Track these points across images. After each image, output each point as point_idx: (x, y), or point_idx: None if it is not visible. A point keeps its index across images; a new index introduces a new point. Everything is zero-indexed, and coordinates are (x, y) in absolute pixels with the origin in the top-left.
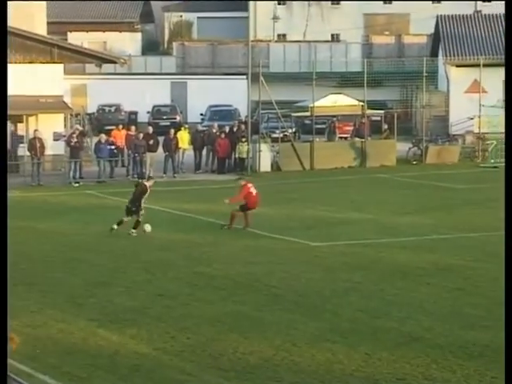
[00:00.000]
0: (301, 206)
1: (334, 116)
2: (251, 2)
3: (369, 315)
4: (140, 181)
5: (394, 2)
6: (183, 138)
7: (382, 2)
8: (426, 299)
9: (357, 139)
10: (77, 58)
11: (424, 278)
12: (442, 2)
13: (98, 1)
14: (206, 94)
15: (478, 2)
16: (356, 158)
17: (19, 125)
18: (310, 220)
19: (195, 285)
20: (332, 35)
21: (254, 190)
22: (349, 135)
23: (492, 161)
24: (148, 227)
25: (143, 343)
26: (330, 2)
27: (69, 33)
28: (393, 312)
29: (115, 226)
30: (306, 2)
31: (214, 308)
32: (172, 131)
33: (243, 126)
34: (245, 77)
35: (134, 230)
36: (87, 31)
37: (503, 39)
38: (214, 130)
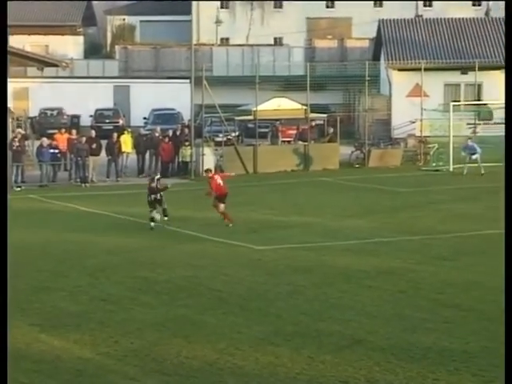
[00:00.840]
0: (244, 209)
1: (278, 120)
2: (194, 6)
3: (312, 318)
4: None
5: (336, 6)
6: (126, 141)
7: (324, 6)
8: (368, 302)
9: (300, 143)
10: (18, 61)
11: (367, 281)
12: (384, 5)
13: (41, 1)
14: (149, 98)
15: (419, 7)
16: (299, 162)
17: None
18: (254, 223)
19: (138, 289)
20: (275, 39)
21: (220, 181)
22: (292, 139)
23: (434, 164)
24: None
25: (86, 348)
26: (272, 6)
27: (10, 36)
28: (336, 315)
29: (152, 224)
30: (249, 6)
31: (157, 312)
32: (115, 135)
33: (186, 130)
34: (188, 80)
35: (166, 218)
36: (29, 34)
37: (444, 43)
38: (157, 134)
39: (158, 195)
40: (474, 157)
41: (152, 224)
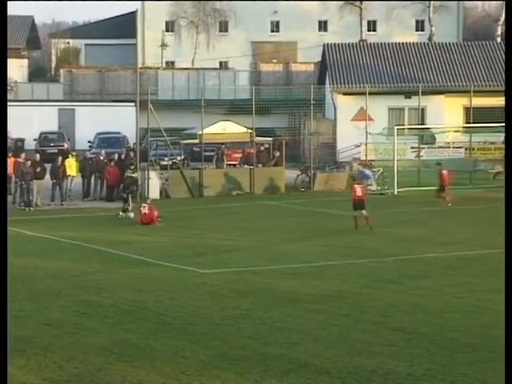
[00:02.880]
0: (189, 233)
1: (223, 143)
2: (139, 29)
3: (258, 342)
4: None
5: (281, 31)
6: (71, 165)
7: (269, 31)
8: (314, 325)
9: (245, 166)
10: None
11: (312, 305)
12: (328, 30)
13: None
14: (94, 121)
15: (364, 32)
16: (245, 186)
17: None
18: (199, 247)
19: (83, 313)
20: (220, 62)
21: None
22: (238, 162)
23: (379, 188)
24: (131, 215)
25: (31, 374)
26: (217, 30)
27: None
28: (281, 338)
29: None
30: (194, 30)
31: (102, 337)
32: (60, 158)
33: (132, 154)
34: (133, 104)
35: (121, 213)
36: None
37: (388, 68)
38: (102, 158)
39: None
40: (368, 182)
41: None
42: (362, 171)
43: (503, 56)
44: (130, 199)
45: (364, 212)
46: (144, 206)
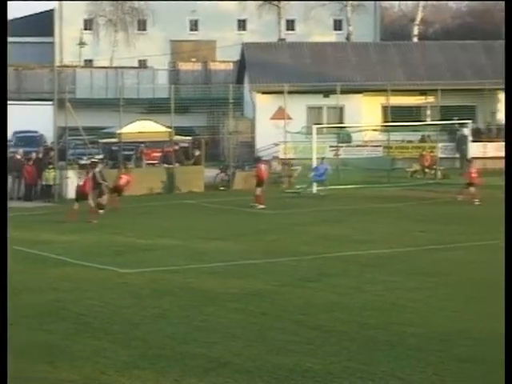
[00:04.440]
0: (109, 232)
1: (142, 142)
2: (57, 27)
3: (177, 341)
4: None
5: (200, 30)
6: None
7: (188, 29)
8: (233, 324)
9: (165, 165)
10: None
11: (232, 304)
12: (247, 29)
13: None
14: (11, 120)
15: (282, 31)
16: (164, 185)
17: None
18: (119, 247)
19: None
20: (139, 61)
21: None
22: (157, 161)
23: (298, 186)
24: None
25: None
26: (136, 28)
27: None
28: (201, 338)
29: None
30: (113, 28)
31: (21, 337)
32: None
33: (52, 153)
34: (51, 102)
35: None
36: None
37: (307, 67)
38: (19, 157)
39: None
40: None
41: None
42: (317, 167)
43: (420, 55)
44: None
45: (260, 191)
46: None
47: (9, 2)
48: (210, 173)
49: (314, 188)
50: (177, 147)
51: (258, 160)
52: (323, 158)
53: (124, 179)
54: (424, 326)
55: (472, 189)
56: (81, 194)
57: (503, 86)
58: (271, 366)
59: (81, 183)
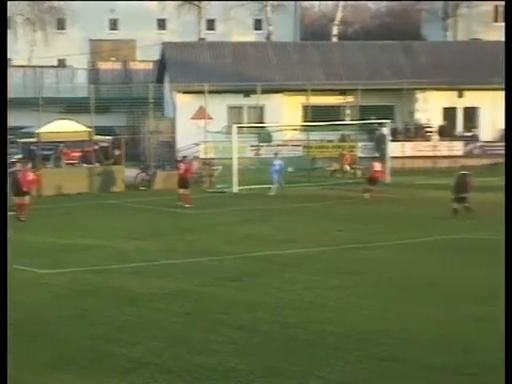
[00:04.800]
0: (29, 232)
1: (62, 142)
2: None
3: (98, 342)
4: None
5: (119, 29)
6: None
7: (107, 29)
8: (154, 324)
9: (85, 165)
10: None
11: (153, 304)
12: (167, 28)
13: None
14: None
15: (203, 30)
16: (84, 184)
17: None
18: (39, 247)
19: None
20: (58, 60)
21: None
22: (77, 161)
23: (219, 186)
24: None
25: None
26: (55, 27)
27: None
28: (122, 338)
29: None
30: (31, 27)
31: None
32: None
33: None
34: None
35: None
36: None
37: (227, 66)
38: None
39: None
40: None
41: None
42: (274, 163)
43: (339, 55)
44: None
45: (187, 191)
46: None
47: None
48: (131, 172)
49: (235, 188)
50: (97, 147)
51: (183, 160)
52: (276, 154)
53: (30, 177)
54: (343, 324)
55: (374, 186)
56: None
57: (421, 86)
58: (193, 366)
59: None
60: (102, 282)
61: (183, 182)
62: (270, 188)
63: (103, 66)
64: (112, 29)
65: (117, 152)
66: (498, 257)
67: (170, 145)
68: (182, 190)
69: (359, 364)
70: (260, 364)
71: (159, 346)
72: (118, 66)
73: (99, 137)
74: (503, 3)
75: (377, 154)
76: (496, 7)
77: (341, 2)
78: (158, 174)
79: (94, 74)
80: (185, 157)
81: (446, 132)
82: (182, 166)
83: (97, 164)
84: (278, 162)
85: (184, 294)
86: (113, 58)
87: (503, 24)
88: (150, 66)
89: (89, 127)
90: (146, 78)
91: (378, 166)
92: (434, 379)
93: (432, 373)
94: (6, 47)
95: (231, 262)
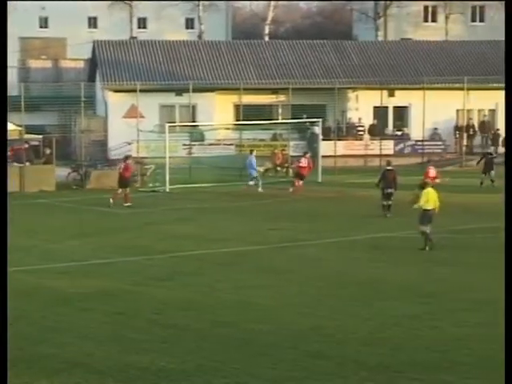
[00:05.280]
0: None
1: None
2: None
3: (30, 342)
4: None
5: (50, 26)
6: None
7: (37, 26)
8: (86, 324)
9: (15, 164)
10: None
11: (84, 304)
12: (98, 27)
13: None
14: None
15: (134, 29)
16: (15, 184)
17: None
18: None
19: None
20: None
21: None
22: (7, 160)
23: (151, 185)
24: None
25: None
26: None
27: None
28: (53, 338)
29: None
30: None
31: None
32: None
33: None
34: None
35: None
36: None
37: (159, 65)
38: None
39: None
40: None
41: None
42: (250, 161)
43: (271, 54)
44: None
45: (127, 190)
46: None
47: None
48: (62, 172)
49: (168, 187)
50: (27, 146)
51: (126, 158)
52: (252, 151)
53: None
54: (276, 322)
55: (300, 181)
56: None
57: (352, 85)
58: (124, 366)
59: None
60: (34, 282)
61: (123, 182)
62: (255, 185)
63: (34, 64)
64: (42, 26)
65: (48, 151)
66: (428, 254)
67: (102, 144)
68: (121, 190)
69: (292, 362)
70: (192, 363)
71: (91, 345)
72: (48, 64)
73: (30, 135)
74: (433, 3)
75: (305, 150)
76: (426, 7)
77: (272, 1)
78: (89, 173)
79: (24, 73)
80: (127, 156)
81: (376, 131)
82: (122, 165)
83: (27, 163)
84: (254, 159)
85: (116, 293)
86: (43, 56)
87: (433, 24)
88: (81, 64)
89: (19, 126)
90: (77, 76)
91: (303, 161)
92: (364, 377)
93: (362, 370)
94: (6, 47)
95: (163, 261)
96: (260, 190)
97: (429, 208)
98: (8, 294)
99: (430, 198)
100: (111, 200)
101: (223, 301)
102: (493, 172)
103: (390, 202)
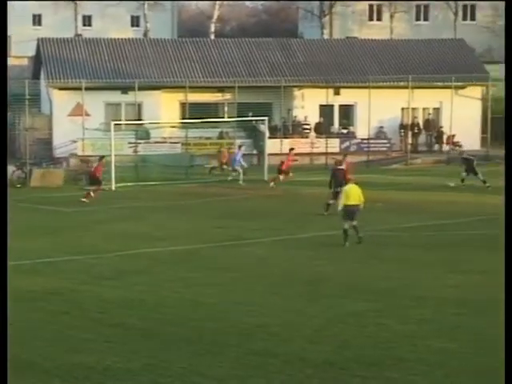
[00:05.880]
0: None
1: None
2: None
3: None
4: None
5: None
6: None
7: None
8: (32, 324)
9: None
10: None
11: (30, 303)
12: (43, 24)
13: None
14: None
15: (79, 26)
16: None
17: None
18: None
19: None
20: None
21: None
22: None
23: None
24: None
25: None
26: None
27: None
28: None
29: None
30: None
31: None
32: None
33: None
34: None
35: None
36: None
37: (104, 63)
38: None
39: None
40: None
41: None
42: (235, 156)
43: (217, 53)
44: None
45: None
46: None
47: None
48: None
49: (113, 185)
50: None
51: (101, 158)
52: (240, 146)
53: None
54: (222, 321)
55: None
56: None
57: (298, 83)
58: (70, 365)
59: None
60: None
61: (93, 180)
62: (234, 179)
63: None
64: None
65: None
66: (371, 252)
67: (47, 142)
68: (92, 187)
69: (238, 360)
70: (138, 362)
71: (36, 345)
72: None
73: None
74: (378, 2)
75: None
76: (371, 6)
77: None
78: (34, 172)
79: None
80: (103, 157)
81: (322, 129)
82: (96, 165)
83: None
84: (240, 154)
85: (61, 292)
86: None
87: (378, 22)
88: (26, 61)
89: None
90: (22, 74)
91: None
92: (310, 374)
93: (309, 368)
94: (6, 47)
95: (109, 259)
96: (241, 182)
97: (350, 204)
98: (8, 294)
99: (351, 194)
100: (85, 199)
101: (169, 299)
102: (479, 175)
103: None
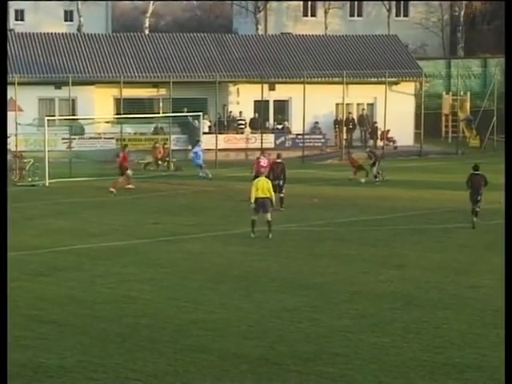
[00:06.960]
0: None
1: None
2: None
3: None
4: None
5: None
6: None
7: None
8: None
9: None
10: None
11: None
12: None
13: None
14: None
15: (11, 21)
16: None
17: None
18: None
19: None
20: None
21: None
22: None
23: (30, 179)
24: None
25: None
26: None
27: None
28: None
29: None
30: None
31: None
32: None
33: None
34: None
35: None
36: None
37: (37, 58)
38: None
39: None
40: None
41: None
42: (196, 152)
43: (152, 48)
44: None
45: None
46: None
47: None
48: None
49: (47, 181)
50: None
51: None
52: (198, 141)
53: None
54: (157, 317)
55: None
56: None
57: (233, 79)
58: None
59: None
60: None
61: (122, 170)
62: (204, 176)
63: None
64: None
65: None
66: (307, 247)
67: None
68: (121, 177)
69: (173, 356)
70: (72, 358)
71: None
72: None
73: None
74: None
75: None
76: (305, 2)
77: None
78: None
79: None
80: (126, 145)
81: (257, 124)
82: (121, 155)
83: None
84: (198, 149)
85: None
86: None
87: (312, 18)
88: None
89: None
90: None
91: (263, 161)
92: (245, 370)
93: (243, 363)
94: (6, 47)
95: (41, 256)
96: (210, 176)
97: (260, 196)
98: (7, 294)
99: (259, 187)
100: (112, 189)
101: (103, 295)
102: (374, 169)
103: (281, 195)
